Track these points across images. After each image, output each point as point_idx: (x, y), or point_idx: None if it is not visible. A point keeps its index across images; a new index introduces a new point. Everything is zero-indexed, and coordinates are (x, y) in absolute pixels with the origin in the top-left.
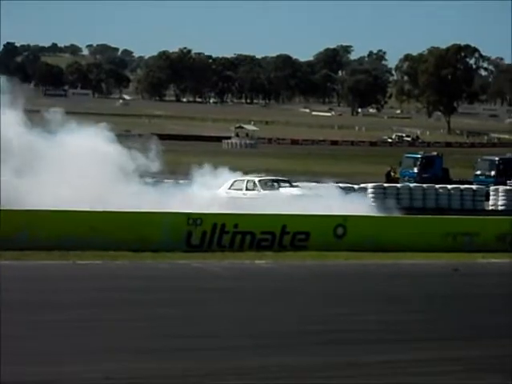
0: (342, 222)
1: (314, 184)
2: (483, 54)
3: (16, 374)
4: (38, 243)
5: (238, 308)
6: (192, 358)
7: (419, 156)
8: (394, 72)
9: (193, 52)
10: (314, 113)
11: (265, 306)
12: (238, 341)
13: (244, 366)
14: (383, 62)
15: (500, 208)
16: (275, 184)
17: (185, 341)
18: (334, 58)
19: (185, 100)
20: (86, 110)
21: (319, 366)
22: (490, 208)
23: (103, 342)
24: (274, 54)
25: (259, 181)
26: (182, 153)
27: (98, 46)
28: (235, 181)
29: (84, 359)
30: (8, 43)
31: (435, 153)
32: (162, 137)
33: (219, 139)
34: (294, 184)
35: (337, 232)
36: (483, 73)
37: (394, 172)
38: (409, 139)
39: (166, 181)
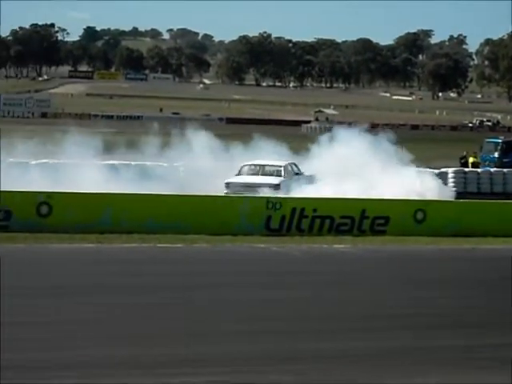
0: (422, 206)
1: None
2: None
3: (90, 357)
4: (119, 226)
5: (318, 291)
6: (272, 341)
7: (500, 141)
8: (474, 56)
9: (273, 36)
10: (394, 97)
11: (344, 290)
12: (318, 324)
13: (322, 348)
14: (464, 47)
15: None
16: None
17: (266, 324)
18: (414, 41)
19: (264, 84)
20: (166, 94)
21: (396, 350)
22: None
23: (180, 325)
24: (355, 38)
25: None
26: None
27: (178, 30)
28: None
29: (165, 341)
30: (88, 27)
31: None
32: (241, 121)
33: (298, 123)
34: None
35: (417, 217)
36: None
37: (475, 157)
38: (489, 124)
39: None
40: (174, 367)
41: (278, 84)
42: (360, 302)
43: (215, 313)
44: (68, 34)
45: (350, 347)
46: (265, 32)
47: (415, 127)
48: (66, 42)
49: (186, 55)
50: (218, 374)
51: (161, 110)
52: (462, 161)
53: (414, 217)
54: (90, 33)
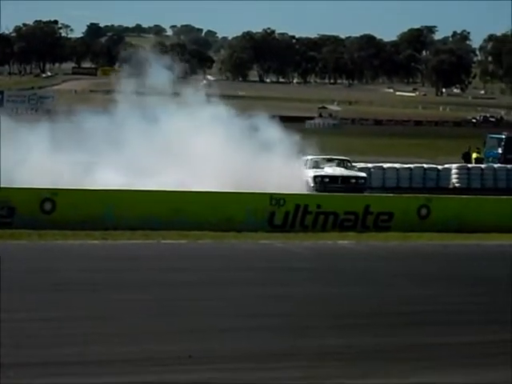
0: (426, 202)
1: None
2: None
3: (100, 354)
4: (122, 223)
5: (319, 288)
6: (269, 338)
7: (503, 137)
8: (477, 52)
9: (276, 32)
10: (397, 93)
11: (346, 287)
12: (318, 321)
13: (322, 345)
14: (467, 42)
15: None
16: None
17: (263, 320)
18: (417, 38)
19: (268, 80)
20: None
21: (396, 346)
22: None
23: (184, 321)
24: (358, 34)
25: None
26: None
27: (182, 26)
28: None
29: (166, 338)
30: (92, 24)
31: None
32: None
33: (302, 119)
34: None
35: (421, 212)
36: None
37: (479, 152)
38: (493, 120)
39: None
40: (170, 364)
41: (281, 80)
42: (360, 300)
43: (216, 309)
44: (71, 30)
45: (349, 344)
46: (268, 28)
47: (418, 123)
48: (70, 38)
49: (189, 51)
50: (220, 370)
51: None
52: (467, 157)
53: (417, 213)
54: (94, 29)
